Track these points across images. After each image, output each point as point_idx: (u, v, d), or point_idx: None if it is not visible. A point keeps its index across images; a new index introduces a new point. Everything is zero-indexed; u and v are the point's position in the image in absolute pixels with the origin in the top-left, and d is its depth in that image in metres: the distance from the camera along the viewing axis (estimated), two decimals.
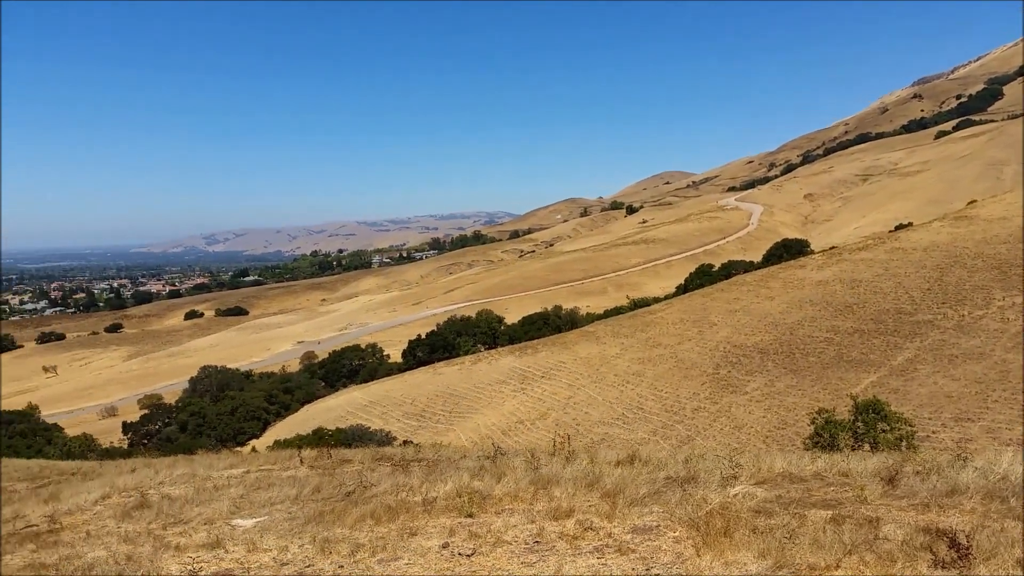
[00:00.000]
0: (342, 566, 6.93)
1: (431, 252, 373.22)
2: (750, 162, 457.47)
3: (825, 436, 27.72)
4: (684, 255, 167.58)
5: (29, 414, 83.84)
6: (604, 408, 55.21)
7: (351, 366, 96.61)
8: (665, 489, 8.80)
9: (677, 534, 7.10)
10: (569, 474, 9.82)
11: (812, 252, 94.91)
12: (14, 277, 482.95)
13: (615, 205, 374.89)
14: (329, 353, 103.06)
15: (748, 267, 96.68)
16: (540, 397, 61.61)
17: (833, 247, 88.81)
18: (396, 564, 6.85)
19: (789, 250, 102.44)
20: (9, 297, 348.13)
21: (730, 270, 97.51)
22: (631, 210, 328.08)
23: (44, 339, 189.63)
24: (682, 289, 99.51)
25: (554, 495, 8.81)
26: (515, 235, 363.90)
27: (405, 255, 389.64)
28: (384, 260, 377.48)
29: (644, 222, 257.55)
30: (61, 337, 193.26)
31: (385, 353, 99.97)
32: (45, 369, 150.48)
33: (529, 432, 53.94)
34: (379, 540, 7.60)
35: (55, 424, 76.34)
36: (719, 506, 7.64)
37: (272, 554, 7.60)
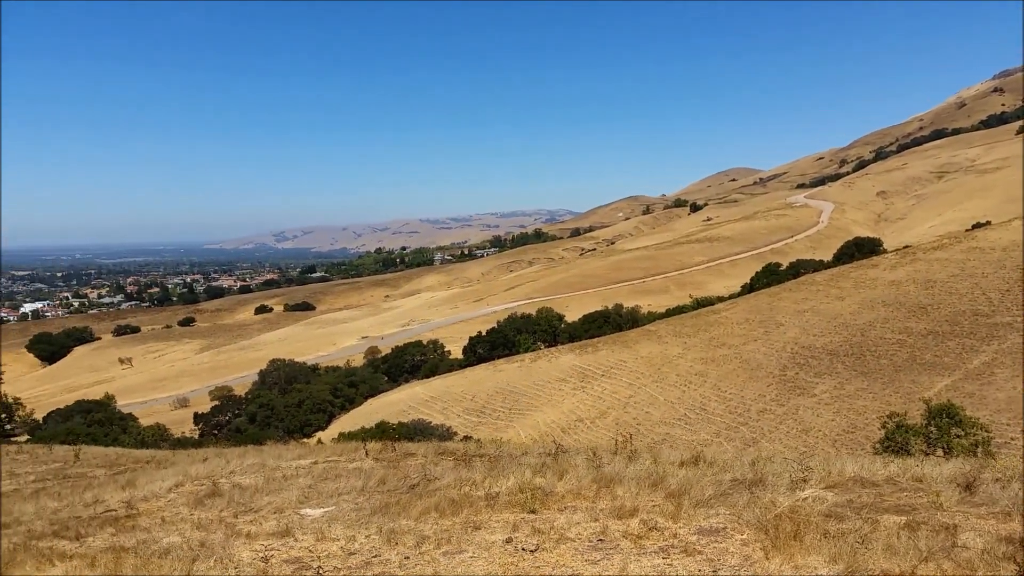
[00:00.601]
0: (408, 557, 7.05)
1: (492, 250, 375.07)
2: (820, 158, 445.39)
3: (896, 441, 26.87)
4: (750, 254, 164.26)
5: (106, 404, 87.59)
6: (665, 408, 54.60)
7: (413, 361, 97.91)
8: (731, 491, 8.67)
9: (745, 536, 6.99)
10: (632, 473, 9.76)
11: (885, 251, 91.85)
12: (92, 272, 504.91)
13: (678, 203, 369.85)
14: (392, 348, 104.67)
15: (818, 266, 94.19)
16: (600, 396, 61.31)
17: (907, 246, 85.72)
18: (460, 557, 6.92)
19: (861, 249, 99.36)
20: (88, 291, 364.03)
21: (799, 269, 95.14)
22: (695, 208, 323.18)
23: (120, 332, 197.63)
24: (748, 288, 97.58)
25: (617, 494, 8.77)
26: (576, 233, 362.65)
27: (466, 252, 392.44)
28: (446, 257, 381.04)
29: (708, 220, 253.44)
30: (136, 330, 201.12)
31: (446, 349, 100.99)
32: (121, 361, 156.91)
33: (589, 431, 53.74)
34: (443, 533, 7.70)
35: (130, 414, 79.57)
36: (788, 509, 7.49)
37: (340, 543, 7.77)
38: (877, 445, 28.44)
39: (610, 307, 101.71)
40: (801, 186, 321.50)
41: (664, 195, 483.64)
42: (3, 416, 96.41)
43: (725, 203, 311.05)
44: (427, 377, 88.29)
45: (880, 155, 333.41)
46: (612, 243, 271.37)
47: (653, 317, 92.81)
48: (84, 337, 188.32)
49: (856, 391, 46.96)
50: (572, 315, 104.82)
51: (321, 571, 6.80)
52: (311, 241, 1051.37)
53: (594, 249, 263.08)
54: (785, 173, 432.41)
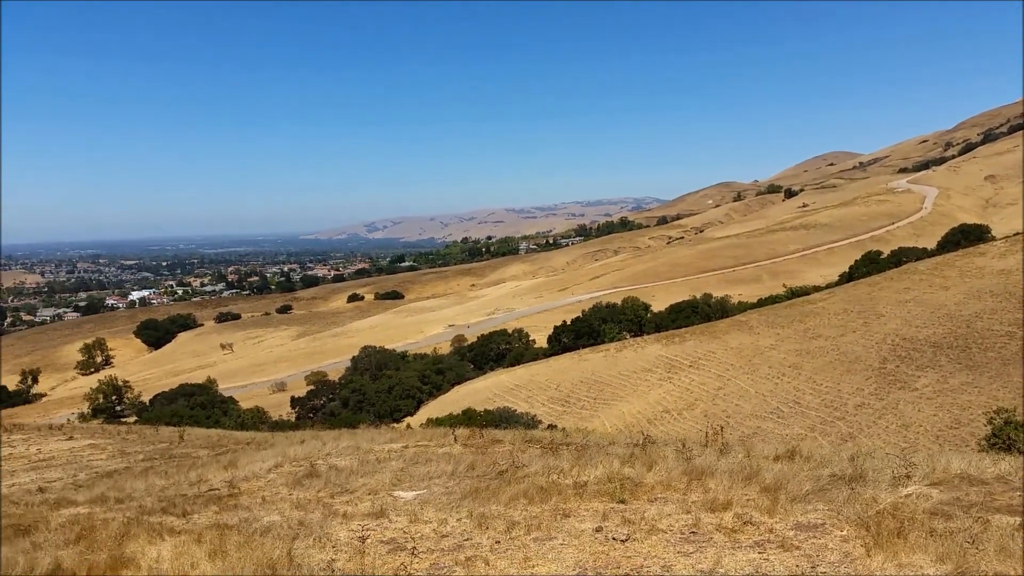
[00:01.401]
0: (499, 542, 7.13)
1: (577, 239, 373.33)
2: (924, 141, 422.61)
3: (1003, 438, 25.41)
4: (848, 241, 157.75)
5: (208, 387, 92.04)
6: (757, 401, 53.21)
7: (498, 350, 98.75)
8: (830, 487, 8.40)
9: (844, 533, 6.76)
10: (724, 466, 9.57)
11: (993, 238, 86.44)
12: (195, 261, 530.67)
13: (772, 188, 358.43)
14: (478, 337, 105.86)
15: (921, 254, 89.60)
16: (688, 387, 60.29)
17: (1017, 233, 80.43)
18: (551, 544, 6.95)
19: (967, 236, 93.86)
20: (191, 280, 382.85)
21: (900, 257, 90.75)
22: (790, 193, 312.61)
23: (222, 319, 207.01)
24: (846, 277, 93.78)
25: (709, 487, 8.61)
26: (663, 221, 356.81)
27: (551, 242, 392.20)
28: (531, 247, 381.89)
29: (804, 206, 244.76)
30: (237, 317, 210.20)
31: (531, 338, 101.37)
32: (222, 346, 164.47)
33: (675, 422, 52.98)
34: (533, 519, 7.75)
35: (231, 397, 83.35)
36: (890, 506, 7.21)
37: (432, 526, 7.93)
38: (983, 442, 26.96)
39: (698, 297, 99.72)
40: (903, 170, 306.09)
41: (757, 181, 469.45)
42: (113, 398, 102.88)
43: (822, 188, 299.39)
44: (512, 366, 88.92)
45: (989, 137, 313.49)
46: (701, 231, 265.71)
47: (744, 307, 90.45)
48: (188, 323, 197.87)
49: (960, 385, 44.53)
50: (659, 305, 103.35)
51: (416, 552, 6.96)
52: (400, 231, 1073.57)
53: (682, 237, 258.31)
54: (886, 157, 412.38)
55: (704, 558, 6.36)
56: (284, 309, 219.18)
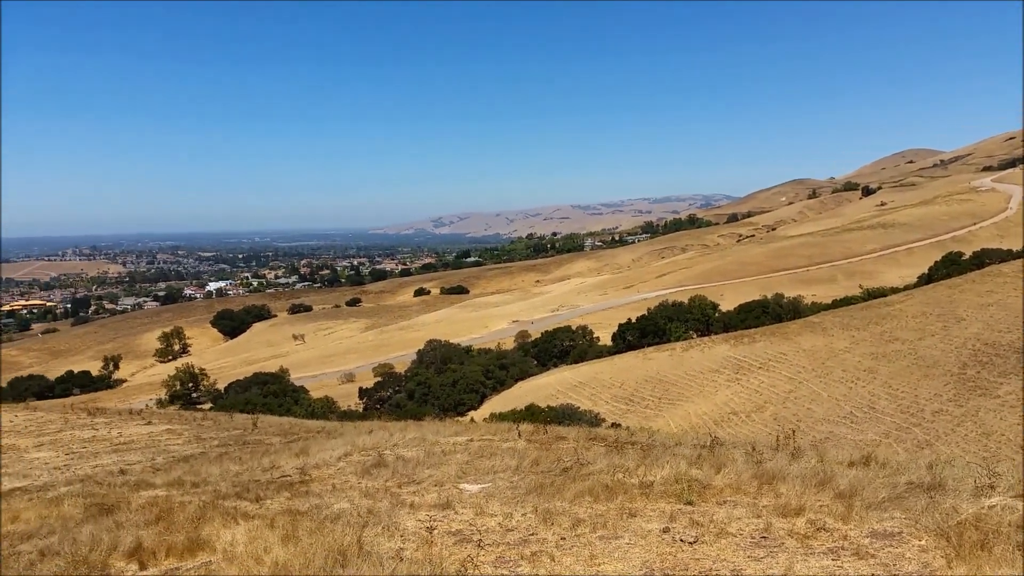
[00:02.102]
0: (564, 538, 7.11)
1: (643, 236, 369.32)
2: (1011, 138, 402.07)
3: None
4: (928, 241, 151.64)
5: (280, 376, 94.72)
6: (829, 405, 51.70)
7: (562, 346, 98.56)
8: (907, 495, 8.09)
9: (923, 543, 6.50)
10: (796, 471, 9.33)
11: None
12: (270, 254, 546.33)
13: (848, 186, 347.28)
14: (541, 333, 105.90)
15: (1006, 256, 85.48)
16: (757, 389, 59.00)
17: None
18: (617, 543, 6.90)
19: None
20: (265, 272, 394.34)
21: (983, 259, 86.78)
22: (867, 191, 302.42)
23: (294, 310, 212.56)
24: (925, 279, 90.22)
25: (780, 491, 8.41)
26: (733, 218, 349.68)
27: (617, 239, 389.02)
28: (596, 243, 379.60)
29: (882, 205, 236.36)
30: (309, 309, 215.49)
31: (595, 335, 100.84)
32: (294, 337, 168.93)
33: (743, 424, 51.93)
34: (599, 517, 7.70)
35: (302, 386, 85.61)
36: (972, 517, 6.90)
37: (498, 519, 7.97)
38: None
39: (769, 296, 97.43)
40: (988, 168, 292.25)
41: (832, 178, 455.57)
42: (190, 385, 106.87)
43: (901, 187, 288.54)
44: (575, 363, 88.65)
45: None
46: (773, 229, 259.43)
47: (817, 308, 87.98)
48: (262, 314, 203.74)
49: None
50: (727, 304, 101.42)
51: (482, 544, 7.01)
52: (466, 227, 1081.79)
53: (752, 236, 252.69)
54: (969, 155, 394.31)
55: (775, 563, 6.21)
56: (353, 302, 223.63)
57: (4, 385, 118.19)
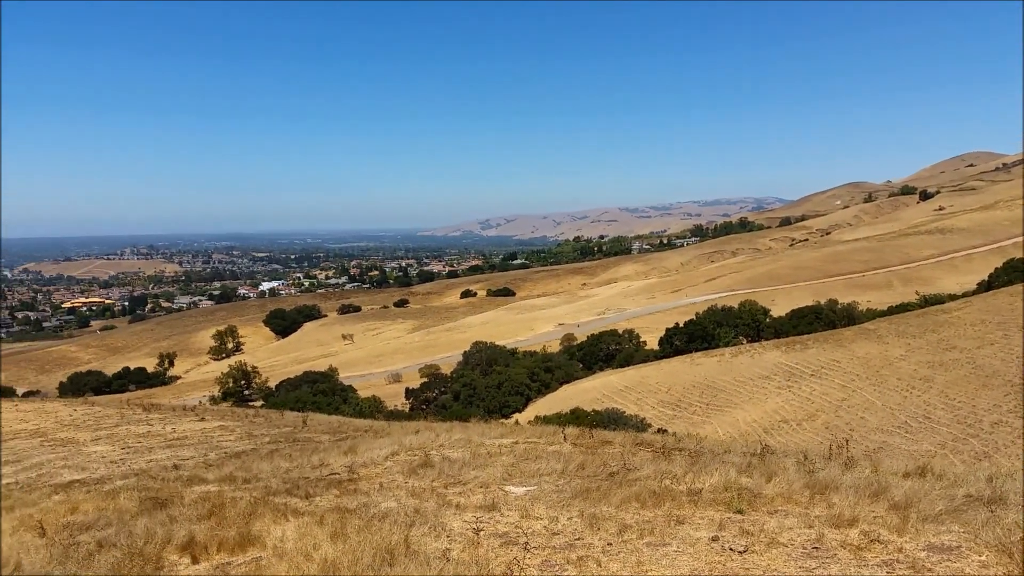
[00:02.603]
0: (610, 544, 7.06)
1: (692, 239, 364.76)
2: None
3: None
4: (988, 247, 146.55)
5: (329, 375, 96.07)
6: (883, 414, 50.33)
7: (608, 350, 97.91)
8: (965, 508, 7.84)
9: (983, 558, 6.28)
10: (849, 481, 9.12)
11: None
12: (321, 255, 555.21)
13: (905, 190, 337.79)
14: (587, 336, 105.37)
15: None
16: (808, 397, 57.76)
17: None
18: (665, 550, 6.82)
19: None
20: (316, 272, 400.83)
21: None
22: (925, 195, 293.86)
23: (344, 310, 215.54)
24: (985, 286, 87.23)
25: (833, 501, 8.22)
26: (786, 222, 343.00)
27: (665, 242, 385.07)
28: (644, 247, 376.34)
29: (940, 209, 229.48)
30: (358, 309, 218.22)
31: (641, 339, 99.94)
32: (343, 337, 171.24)
33: (794, 433, 50.88)
34: (646, 523, 7.63)
35: (350, 385, 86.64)
36: None
37: (543, 523, 7.95)
38: None
39: (822, 302, 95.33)
40: None
41: (889, 181, 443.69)
42: (242, 382, 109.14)
43: (961, 191, 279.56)
44: (621, 367, 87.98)
45: None
46: (827, 233, 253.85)
47: (872, 315, 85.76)
48: (312, 314, 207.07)
49: None
50: (778, 309, 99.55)
51: (528, 547, 7.00)
52: (513, 229, 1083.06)
53: (806, 240, 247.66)
54: None
55: (827, 575, 6.07)
56: (401, 303, 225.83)
57: (64, 380, 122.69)
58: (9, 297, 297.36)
